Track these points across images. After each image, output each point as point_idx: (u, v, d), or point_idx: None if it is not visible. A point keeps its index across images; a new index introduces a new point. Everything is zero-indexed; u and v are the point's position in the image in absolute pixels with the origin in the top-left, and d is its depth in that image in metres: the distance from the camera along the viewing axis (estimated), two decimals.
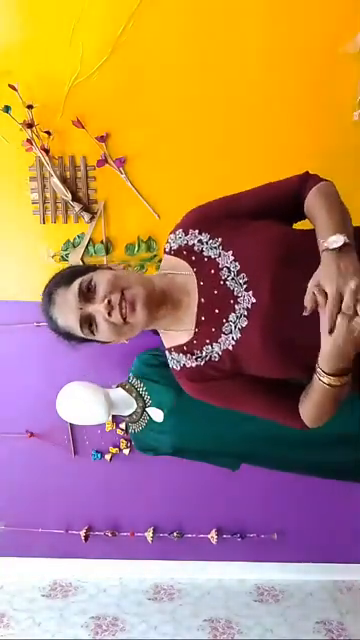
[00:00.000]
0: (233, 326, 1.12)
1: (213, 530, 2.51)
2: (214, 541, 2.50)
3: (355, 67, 1.94)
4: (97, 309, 1.10)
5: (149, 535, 2.52)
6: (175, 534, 2.53)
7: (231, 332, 1.12)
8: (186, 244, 1.18)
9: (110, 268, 1.19)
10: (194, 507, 2.53)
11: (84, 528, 2.56)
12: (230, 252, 1.13)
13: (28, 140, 2.05)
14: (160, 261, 2.15)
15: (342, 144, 1.99)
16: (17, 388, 2.39)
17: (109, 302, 1.08)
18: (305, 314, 0.98)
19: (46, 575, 2.67)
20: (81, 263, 2.18)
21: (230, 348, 1.12)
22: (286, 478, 2.25)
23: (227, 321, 1.12)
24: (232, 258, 1.12)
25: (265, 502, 2.49)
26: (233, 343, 1.12)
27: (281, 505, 2.49)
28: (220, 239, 1.14)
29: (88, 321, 1.12)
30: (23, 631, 2.41)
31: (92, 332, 1.13)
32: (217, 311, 1.13)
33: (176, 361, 1.20)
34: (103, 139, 2.07)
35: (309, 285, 0.99)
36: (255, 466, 2.08)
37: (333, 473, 1.98)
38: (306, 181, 1.17)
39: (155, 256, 2.16)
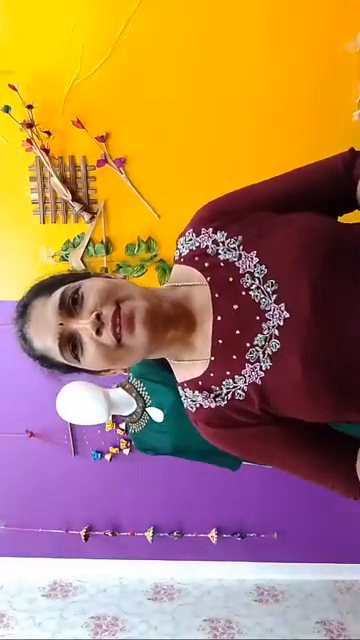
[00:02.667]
0: (260, 352, 0.84)
1: (213, 530, 2.51)
2: (214, 541, 2.50)
3: (355, 67, 1.94)
4: (82, 325, 0.83)
5: (149, 535, 2.52)
6: (175, 534, 2.53)
7: (258, 360, 0.84)
8: (198, 247, 0.91)
9: (108, 276, 0.93)
10: (194, 507, 2.53)
11: (84, 528, 2.56)
12: (253, 252, 0.85)
13: (28, 140, 2.04)
14: (161, 261, 2.16)
15: (342, 144, 1.98)
16: (17, 388, 2.39)
17: (98, 317, 0.81)
18: None
19: (46, 575, 2.67)
20: (81, 263, 2.18)
21: (258, 382, 0.84)
22: (286, 478, 2.25)
23: (252, 346, 0.84)
24: (256, 260, 0.85)
25: (265, 502, 2.49)
26: (262, 375, 0.84)
27: (281, 505, 2.49)
28: (240, 237, 0.87)
29: (71, 342, 0.85)
30: (23, 631, 2.41)
31: (76, 357, 0.85)
32: (238, 332, 0.85)
33: (190, 400, 0.92)
34: (103, 139, 2.07)
35: None
36: (255, 465, 2.08)
37: None
38: (354, 160, 0.93)
39: (155, 256, 2.15)
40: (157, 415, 2.03)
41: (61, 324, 0.84)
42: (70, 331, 0.84)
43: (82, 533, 2.55)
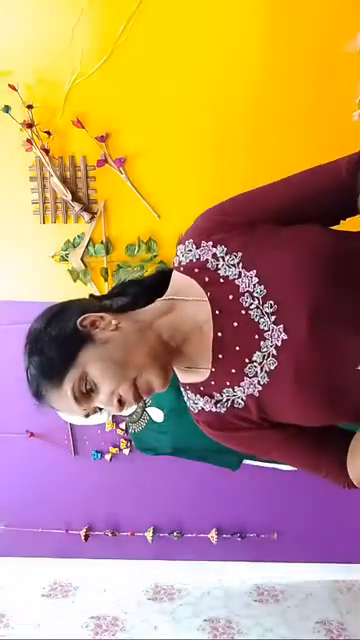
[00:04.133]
0: (258, 368, 0.88)
1: (213, 530, 2.51)
2: (214, 541, 2.50)
3: (355, 67, 1.94)
4: (105, 405, 0.90)
5: (149, 535, 2.52)
6: (175, 534, 2.53)
7: (256, 375, 0.88)
8: (198, 259, 0.91)
9: (96, 327, 0.91)
10: (194, 507, 2.52)
11: (84, 528, 2.56)
12: (253, 272, 0.87)
13: (28, 140, 2.04)
14: (161, 262, 2.16)
15: (342, 144, 1.98)
16: (17, 388, 2.38)
17: (120, 402, 0.88)
18: None
19: (46, 575, 2.67)
20: (81, 263, 2.18)
21: (256, 394, 0.89)
22: (286, 478, 2.25)
23: (251, 361, 0.88)
24: (256, 280, 0.86)
25: (265, 502, 2.49)
26: (259, 388, 0.88)
27: (281, 505, 2.48)
28: (240, 254, 0.88)
29: (96, 410, 0.94)
30: (23, 631, 2.41)
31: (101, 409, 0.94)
32: (238, 348, 0.89)
33: (193, 402, 0.97)
34: (103, 139, 2.07)
35: None
36: (256, 463, 2.08)
37: None
38: (358, 166, 0.92)
39: (155, 256, 2.15)
40: (157, 415, 2.03)
41: (85, 410, 0.91)
42: (93, 408, 0.92)
43: (82, 533, 2.55)
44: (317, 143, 1.99)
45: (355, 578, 2.56)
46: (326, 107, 1.99)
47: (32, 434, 2.47)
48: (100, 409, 0.92)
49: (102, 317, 0.92)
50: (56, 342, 0.91)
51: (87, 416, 0.92)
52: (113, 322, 0.91)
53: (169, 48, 1.98)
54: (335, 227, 0.97)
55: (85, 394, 0.89)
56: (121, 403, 0.88)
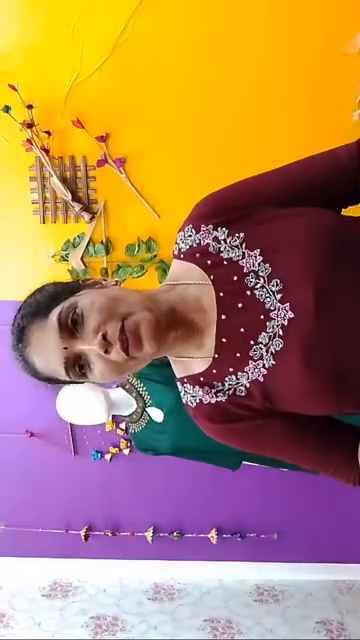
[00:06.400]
0: (264, 350, 0.85)
1: (213, 530, 2.51)
2: (214, 541, 2.50)
3: (355, 67, 1.94)
4: (89, 347, 0.81)
5: (149, 535, 2.52)
6: (175, 534, 2.53)
7: (261, 358, 0.85)
8: (198, 244, 0.89)
9: (100, 283, 0.91)
10: (194, 507, 2.53)
11: (84, 528, 2.56)
12: (257, 251, 0.85)
13: (28, 140, 2.04)
14: (161, 262, 2.16)
15: (342, 144, 1.99)
16: (17, 388, 2.38)
17: (104, 337, 0.80)
18: None
19: (46, 575, 2.67)
20: (81, 263, 2.18)
21: (260, 379, 0.85)
22: (286, 478, 2.25)
23: (256, 343, 0.85)
24: (260, 259, 0.84)
25: (265, 502, 2.49)
26: (264, 372, 0.85)
27: (281, 505, 2.49)
28: (242, 234, 0.86)
29: (77, 362, 0.84)
30: (23, 631, 2.41)
31: (84, 374, 0.85)
32: (243, 330, 0.86)
33: (191, 395, 0.92)
34: (103, 139, 2.07)
35: None
36: (255, 464, 2.08)
37: None
38: (359, 153, 0.91)
39: (155, 256, 2.15)
40: (157, 415, 2.03)
41: (65, 348, 0.82)
42: (76, 352, 0.83)
43: (82, 533, 2.55)
44: (317, 143, 1.98)
45: (355, 578, 2.56)
46: (326, 107, 1.99)
47: (32, 434, 2.47)
48: (81, 371, 0.85)
49: (104, 279, 0.93)
50: (55, 286, 0.92)
51: (66, 363, 0.83)
52: (114, 281, 0.92)
53: (169, 48, 1.98)
54: None
55: (70, 328, 0.82)
56: (105, 339, 0.80)
